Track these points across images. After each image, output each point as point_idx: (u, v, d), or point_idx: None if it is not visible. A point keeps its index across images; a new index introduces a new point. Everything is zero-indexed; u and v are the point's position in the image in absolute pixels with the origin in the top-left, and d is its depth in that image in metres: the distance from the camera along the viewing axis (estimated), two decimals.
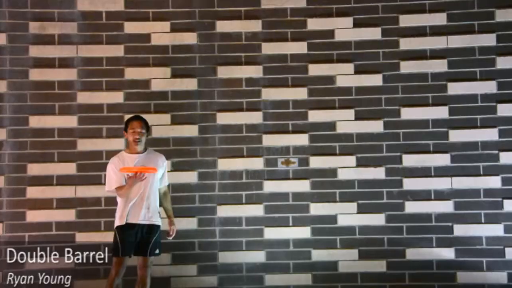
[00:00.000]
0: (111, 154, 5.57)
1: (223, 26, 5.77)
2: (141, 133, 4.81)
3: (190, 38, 5.76)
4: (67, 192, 5.59)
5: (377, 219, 5.56)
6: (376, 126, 5.64)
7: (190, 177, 5.65)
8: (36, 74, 5.70)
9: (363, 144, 5.63)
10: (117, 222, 4.76)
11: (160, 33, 5.75)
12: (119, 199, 4.80)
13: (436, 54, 5.63)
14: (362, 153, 5.62)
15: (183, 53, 5.75)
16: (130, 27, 5.75)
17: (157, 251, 4.84)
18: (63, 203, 5.59)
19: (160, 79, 5.73)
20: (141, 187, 4.71)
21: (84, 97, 5.69)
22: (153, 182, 4.79)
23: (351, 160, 5.62)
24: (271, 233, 5.60)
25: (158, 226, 4.84)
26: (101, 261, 5.46)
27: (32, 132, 5.66)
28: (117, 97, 5.71)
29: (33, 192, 5.59)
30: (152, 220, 4.79)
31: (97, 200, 5.60)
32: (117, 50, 5.73)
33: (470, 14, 5.63)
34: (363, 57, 5.69)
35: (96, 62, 5.72)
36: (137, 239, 4.74)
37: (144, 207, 4.74)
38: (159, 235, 4.83)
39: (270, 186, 5.64)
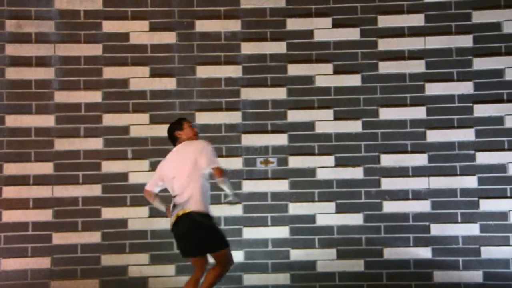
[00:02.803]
0: (88, 153, 5.78)
1: (202, 26, 5.94)
2: None
3: (169, 38, 5.93)
4: (44, 192, 5.73)
5: (355, 219, 5.76)
6: (354, 126, 5.85)
7: None
8: (12, 73, 5.83)
9: (341, 144, 5.83)
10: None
11: (138, 32, 5.92)
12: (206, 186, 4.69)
13: (414, 55, 5.86)
14: (341, 153, 5.82)
15: (162, 53, 5.92)
16: (108, 26, 5.91)
17: None
18: (40, 203, 5.72)
19: (138, 78, 5.89)
20: None
21: (61, 96, 5.84)
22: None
23: (329, 160, 5.82)
24: (249, 233, 5.77)
25: None
26: (78, 261, 5.62)
27: (8, 131, 5.79)
28: (95, 96, 5.86)
29: (9, 192, 5.72)
30: None
31: (75, 200, 5.74)
32: (95, 49, 5.88)
33: (448, 16, 5.86)
34: (342, 57, 5.90)
35: (74, 61, 5.87)
36: None
37: None
38: None
39: (248, 186, 5.82)
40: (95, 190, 5.76)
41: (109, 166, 5.79)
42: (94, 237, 5.70)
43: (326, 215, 5.78)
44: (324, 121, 5.86)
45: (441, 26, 5.85)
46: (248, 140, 5.86)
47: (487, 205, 5.65)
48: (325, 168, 5.82)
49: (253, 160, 5.85)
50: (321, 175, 5.81)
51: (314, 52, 5.92)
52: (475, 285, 5.57)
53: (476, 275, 5.58)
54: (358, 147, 5.82)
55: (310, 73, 5.91)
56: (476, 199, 5.67)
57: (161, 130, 5.79)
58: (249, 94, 5.90)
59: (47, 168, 5.75)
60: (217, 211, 5.74)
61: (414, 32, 5.87)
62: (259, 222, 5.78)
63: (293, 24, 5.94)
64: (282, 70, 5.91)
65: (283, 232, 5.76)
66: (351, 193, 5.77)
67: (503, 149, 5.69)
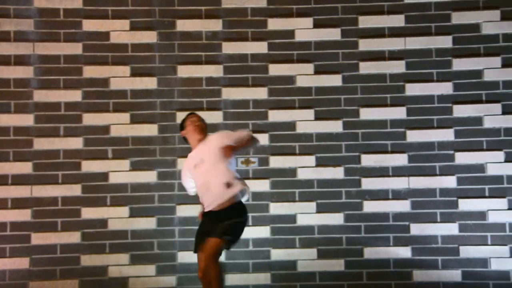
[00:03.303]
0: (68, 153, 5.77)
1: (183, 25, 5.95)
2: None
3: (149, 37, 5.93)
4: (22, 191, 5.72)
5: (336, 219, 5.81)
6: (335, 126, 5.89)
7: (149, 176, 5.82)
8: None
9: (322, 144, 5.88)
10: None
11: (119, 31, 5.92)
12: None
13: (394, 55, 5.92)
14: (322, 153, 5.86)
15: (142, 52, 5.92)
16: (89, 25, 5.90)
17: None
18: (18, 203, 5.71)
19: (119, 77, 5.89)
20: None
21: (40, 95, 5.82)
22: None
23: (310, 160, 5.86)
24: None
25: None
26: (57, 262, 5.61)
27: None
28: (75, 95, 5.85)
29: None
30: None
31: (54, 199, 5.72)
32: (75, 48, 5.87)
33: (427, 16, 5.92)
34: (323, 57, 5.94)
35: (53, 60, 5.85)
36: None
37: None
38: None
39: None
40: (75, 190, 5.75)
41: (89, 166, 5.78)
42: (73, 237, 5.69)
43: (307, 215, 5.82)
44: (305, 121, 5.90)
45: (421, 27, 5.92)
46: None
47: (465, 205, 5.72)
48: (306, 168, 5.86)
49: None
50: (302, 175, 5.85)
51: (295, 52, 5.95)
52: (454, 284, 5.64)
53: (455, 274, 5.65)
54: (338, 147, 5.87)
55: (291, 73, 5.94)
56: (455, 199, 5.74)
57: (142, 130, 5.86)
58: (230, 93, 5.92)
59: (26, 167, 5.73)
60: (198, 210, 5.75)
61: (395, 32, 5.93)
62: None
63: (274, 24, 5.97)
64: (263, 70, 5.94)
65: (264, 232, 5.79)
66: (331, 193, 5.82)
67: (481, 149, 5.76)
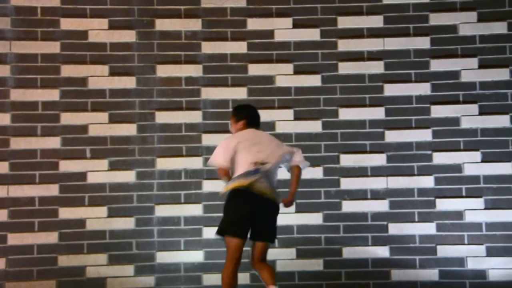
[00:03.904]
0: (46, 152, 5.76)
1: (162, 25, 5.96)
2: None
3: (128, 36, 5.93)
4: None
5: (315, 218, 5.84)
6: (314, 126, 5.93)
7: (128, 176, 5.82)
8: None
9: (301, 144, 5.84)
10: None
11: (97, 30, 5.91)
12: None
13: (373, 56, 5.97)
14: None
15: (121, 51, 5.92)
16: (67, 24, 5.88)
17: None
18: None
19: (97, 77, 5.88)
20: None
21: (17, 95, 5.79)
22: None
23: None
24: (209, 233, 5.74)
25: None
26: (34, 262, 5.58)
27: None
28: (52, 94, 5.82)
29: None
30: None
31: (31, 199, 5.70)
32: (53, 47, 5.85)
33: (406, 18, 5.98)
34: (302, 57, 5.97)
35: (30, 58, 5.82)
36: None
37: None
38: None
39: (209, 186, 5.84)
40: (52, 189, 5.72)
41: (67, 166, 5.76)
42: (51, 237, 5.67)
43: (286, 214, 5.75)
44: (284, 121, 5.92)
45: (400, 27, 5.97)
46: (209, 139, 5.88)
47: (443, 204, 5.78)
48: None
49: None
50: (280, 174, 5.86)
51: (275, 52, 5.98)
52: (431, 283, 5.70)
53: (432, 274, 5.71)
54: (318, 147, 5.90)
55: (270, 73, 5.97)
56: (432, 198, 5.80)
57: (121, 129, 5.86)
58: (209, 93, 5.94)
59: (2, 167, 5.69)
60: (177, 210, 5.81)
61: (373, 33, 5.98)
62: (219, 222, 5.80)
63: (253, 24, 6.00)
64: (243, 70, 5.96)
65: None
66: (310, 192, 5.85)
67: (459, 150, 5.83)
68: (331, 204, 5.85)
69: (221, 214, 5.73)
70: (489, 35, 5.89)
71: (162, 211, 5.80)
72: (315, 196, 5.84)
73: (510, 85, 5.84)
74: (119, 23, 5.93)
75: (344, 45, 5.99)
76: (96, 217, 5.74)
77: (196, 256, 5.78)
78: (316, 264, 5.78)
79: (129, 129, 5.86)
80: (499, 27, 5.89)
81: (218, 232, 4.54)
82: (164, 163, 5.85)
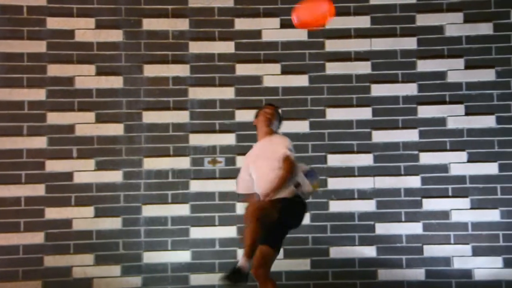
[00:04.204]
0: (32, 152, 5.74)
1: (149, 24, 5.96)
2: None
3: (115, 36, 5.92)
4: None
5: None
6: (302, 126, 5.94)
7: (115, 176, 5.81)
8: None
9: None
10: None
11: (84, 30, 5.89)
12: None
13: (360, 56, 5.99)
14: None
15: (108, 51, 5.90)
16: (53, 23, 5.86)
17: None
18: None
19: (84, 76, 5.86)
20: None
21: (3, 94, 5.76)
22: None
23: None
24: (197, 233, 5.81)
25: None
26: (20, 263, 5.56)
27: None
28: (38, 94, 5.80)
29: None
30: None
31: (17, 200, 5.68)
32: (39, 46, 5.83)
33: (393, 18, 6.01)
34: (289, 57, 5.99)
35: (16, 58, 5.80)
36: None
37: None
38: None
39: (196, 186, 5.86)
40: (39, 189, 5.70)
41: (53, 166, 5.74)
42: (37, 237, 5.65)
43: None
44: None
45: (387, 28, 6.00)
46: (196, 139, 5.89)
47: (429, 204, 5.82)
48: None
49: (201, 160, 5.89)
50: None
51: (262, 52, 5.99)
52: (418, 282, 5.73)
53: (419, 273, 5.74)
54: (305, 147, 5.92)
55: (258, 73, 5.98)
56: (419, 198, 5.84)
57: (108, 129, 5.85)
58: (197, 93, 5.94)
59: None
60: (164, 210, 5.81)
61: (360, 33, 6.00)
62: (207, 222, 5.82)
63: (241, 24, 6.00)
64: (230, 70, 5.97)
65: (230, 231, 5.82)
66: None
67: (445, 150, 5.86)
68: (318, 204, 5.86)
69: (208, 214, 5.83)
70: (475, 36, 5.94)
71: (149, 211, 5.79)
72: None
73: (496, 85, 5.88)
74: (106, 23, 5.92)
75: (331, 45, 6.01)
76: (82, 217, 5.73)
77: (183, 256, 5.78)
78: (303, 264, 5.80)
79: (116, 129, 5.85)
80: (485, 28, 5.93)
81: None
82: (151, 163, 5.85)
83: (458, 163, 5.84)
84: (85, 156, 5.79)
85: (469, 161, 5.83)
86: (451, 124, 5.88)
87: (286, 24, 5.98)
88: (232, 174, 5.85)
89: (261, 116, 4.64)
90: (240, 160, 5.87)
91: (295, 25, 4.38)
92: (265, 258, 4.19)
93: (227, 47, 5.98)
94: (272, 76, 5.98)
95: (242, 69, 5.97)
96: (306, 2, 4.32)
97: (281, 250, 5.67)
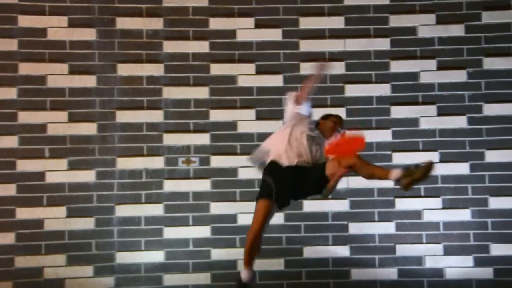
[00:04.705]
0: (2, 152, 5.71)
1: (123, 23, 5.93)
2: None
3: (88, 34, 5.88)
4: None
5: (276, 218, 5.74)
6: (276, 126, 5.88)
7: (87, 176, 5.78)
8: None
9: None
10: None
11: (56, 28, 5.85)
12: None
13: (334, 57, 6.02)
14: None
15: (81, 49, 5.87)
16: (25, 21, 5.81)
17: None
18: None
19: (56, 75, 5.82)
20: None
21: None
22: None
23: None
24: (170, 233, 5.80)
25: None
26: None
27: None
28: (10, 93, 5.76)
29: None
30: None
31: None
32: (10, 44, 5.78)
33: (366, 19, 6.05)
34: (264, 57, 6.00)
35: None
36: None
37: None
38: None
39: (170, 186, 5.84)
40: (10, 189, 5.66)
41: (25, 165, 5.70)
42: (7, 238, 5.60)
43: (248, 214, 5.74)
44: (246, 121, 5.95)
45: (360, 29, 6.04)
46: (170, 139, 5.88)
47: (402, 204, 5.87)
48: (247, 167, 5.86)
49: (175, 160, 5.88)
50: (243, 174, 5.90)
51: (237, 52, 6.00)
52: (390, 282, 5.78)
53: (391, 272, 5.79)
54: None
55: (232, 73, 5.98)
56: (392, 198, 5.88)
57: (80, 129, 5.81)
58: (171, 93, 5.93)
59: None
60: (138, 210, 5.79)
61: (335, 34, 6.04)
62: (180, 222, 5.81)
63: (215, 23, 6.00)
64: (205, 70, 5.97)
65: (204, 231, 5.82)
66: None
67: (417, 150, 5.92)
68: (292, 204, 5.83)
69: (182, 214, 5.83)
70: (447, 37, 6.00)
71: (123, 211, 5.77)
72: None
73: (467, 86, 5.95)
74: (79, 21, 5.88)
75: (306, 45, 6.03)
76: (54, 217, 5.69)
77: (157, 256, 5.76)
78: (277, 264, 5.82)
79: (89, 128, 5.81)
80: (457, 30, 6.00)
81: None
82: (124, 163, 5.82)
83: None
84: (57, 155, 5.75)
85: (441, 161, 5.88)
86: (424, 125, 5.94)
87: (261, 24, 6.02)
88: (206, 174, 5.87)
89: (333, 125, 4.66)
90: (214, 160, 5.89)
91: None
92: None
93: (202, 46, 5.97)
94: (246, 76, 5.99)
95: (217, 69, 5.97)
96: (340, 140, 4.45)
97: None
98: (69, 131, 5.79)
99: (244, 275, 4.31)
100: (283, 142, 4.35)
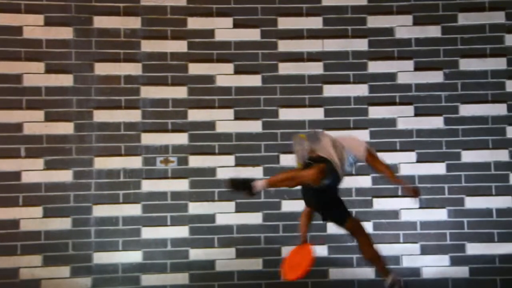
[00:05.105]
0: None
1: (100, 22, 5.90)
2: None
3: (65, 33, 5.84)
4: None
5: (255, 218, 5.88)
6: (254, 126, 5.97)
7: (64, 175, 5.74)
8: None
9: (242, 144, 5.94)
10: None
11: (32, 26, 5.80)
12: None
13: (312, 57, 6.04)
14: (241, 152, 5.92)
15: (58, 48, 5.83)
16: (0, 19, 5.74)
17: None
18: None
19: (33, 74, 5.78)
20: None
21: None
22: None
23: (230, 159, 5.92)
24: (148, 233, 5.78)
25: None
26: None
27: None
28: None
29: None
30: None
31: None
32: None
33: (344, 19, 6.08)
34: (242, 57, 6.01)
35: None
36: None
37: None
38: None
39: (148, 185, 5.83)
40: None
41: (0, 165, 5.66)
42: None
43: (226, 214, 5.87)
44: (224, 121, 5.94)
45: (338, 29, 6.07)
46: (148, 139, 5.87)
47: (380, 204, 5.91)
48: (225, 167, 5.91)
49: (153, 159, 5.86)
50: (221, 174, 5.89)
51: (215, 52, 5.99)
52: (368, 281, 5.81)
53: (369, 272, 5.80)
54: (258, 147, 5.94)
55: (211, 73, 5.98)
56: (370, 198, 5.92)
57: (57, 128, 5.76)
58: (149, 92, 5.91)
59: None
60: (116, 210, 5.76)
61: (313, 34, 6.06)
62: (159, 222, 5.80)
63: (194, 23, 5.99)
64: (183, 69, 5.95)
65: (182, 231, 5.81)
66: None
67: (395, 150, 5.96)
68: (271, 203, 5.90)
69: (160, 214, 5.82)
70: (424, 38, 6.04)
71: (100, 211, 5.74)
72: (255, 196, 5.86)
73: (444, 87, 6.00)
74: (56, 20, 5.83)
75: (284, 45, 6.04)
76: (30, 218, 5.64)
77: (135, 256, 5.74)
78: (255, 264, 5.82)
79: (66, 128, 5.78)
80: (434, 31, 6.04)
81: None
82: (102, 163, 5.79)
83: (407, 163, 5.94)
84: (33, 155, 5.70)
85: (418, 161, 5.94)
86: (401, 125, 5.99)
87: (239, 24, 6.02)
88: (184, 173, 5.86)
89: None
90: (192, 160, 5.88)
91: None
92: None
93: (180, 46, 5.96)
94: (225, 75, 5.99)
95: (195, 69, 5.96)
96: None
97: (233, 250, 5.81)
98: (46, 130, 5.75)
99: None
100: None
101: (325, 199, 4.48)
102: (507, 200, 5.87)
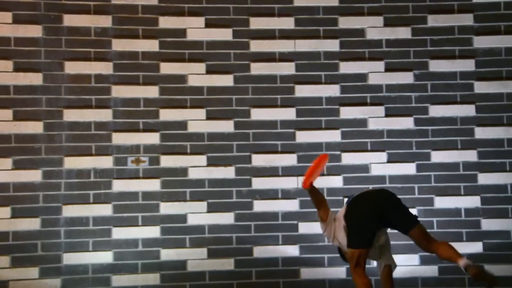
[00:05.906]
0: None
1: (71, 20, 5.84)
2: None
3: (34, 31, 5.77)
4: None
5: (226, 218, 5.88)
6: (226, 126, 5.97)
7: (33, 175, 5.67)
8: None
9: (213, 144, 5.94)
10: None
11: (1, 24, 5.72)
12: None
13: (284, 57, 6.06)
14: (213, 152, 5.92)
15: (27, 46, 5.76)
16: None
17: None
18: None
19: (1, 72, 5.70)
20: None
21: None
22: None
23: (201, 159, 5.91)
24: (119, 233, 5.75)
25: None
26: None
27: None
28: None
29: None
30: None
31: None
32: None
33: (316, 20, 6.10)
34: (214, 57, 6.00)
35: None
36: None
37: None
38: None
39: (119, 185, 5.79)
40: None
41: None
42: None
43: (198, 214, 5.86)
44: (196, 121, 5.94)
45: (310, 30, 6.10)
46: (119, 138, 5.83)
47: None
48: (197, 167, 5.90)
49: (124, 159, 5.83)
50: (193, 174, 5.89)
51: (187, 51, 5.98)
52: (339, 280, 5.85)
53: (340, 271, 5.85)
54: (230, 147, 5.95)
55: (182, 72, 5.97)
56: (341, 198, 5.96)
57: (26, 127, 5.71)
58: (120, 92, 5.87)
59: None
60: (86, 211, 5.71)
61: (285, 35, 6.07)
62: (130, 222, 5.76)
63: (165, 22, 5.97)
64: (154, 69, 5.93)
65: (153, 232, 5.78)
66: (222, 192, 5.89)
67: (366, 150, 6.01)
68: (243, 203, 5.91)
69: (131, 214, 5.80)
70: (395, 40, 6.10)
71: (70, 211, 5.69)
72: (226, 196, 5.89)
73: (414, 88, 6.06)
74: (25, 17, 5.76)
75: (256, 45, 6.06)
76: None
77: (105, 257, 5.70)
78: (227, 264, 5.83)
79: (35, 127, 5.71)
80: (404, 32, 6.11)
81: None
82: (72, 162, 5.74)
83: (378, 163, 6.00)
84: (1, 155, 5.63)
85: (388, 161, 6.00)
86: (372, 125, 6.04)
87: (211, 24, 6.02)
88: (156, 173, 5.84)
89: None
90: (164, 160, 5.86)
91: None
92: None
93: (151, 45, 5.94)
94: (196, 75, 5.98)
95: (167, 68, 5.94)
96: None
97: (205, 250, 5.81)
98: (14, 129, 5.68)
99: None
100: None
101: None
102: (475, 200, 5.96)
